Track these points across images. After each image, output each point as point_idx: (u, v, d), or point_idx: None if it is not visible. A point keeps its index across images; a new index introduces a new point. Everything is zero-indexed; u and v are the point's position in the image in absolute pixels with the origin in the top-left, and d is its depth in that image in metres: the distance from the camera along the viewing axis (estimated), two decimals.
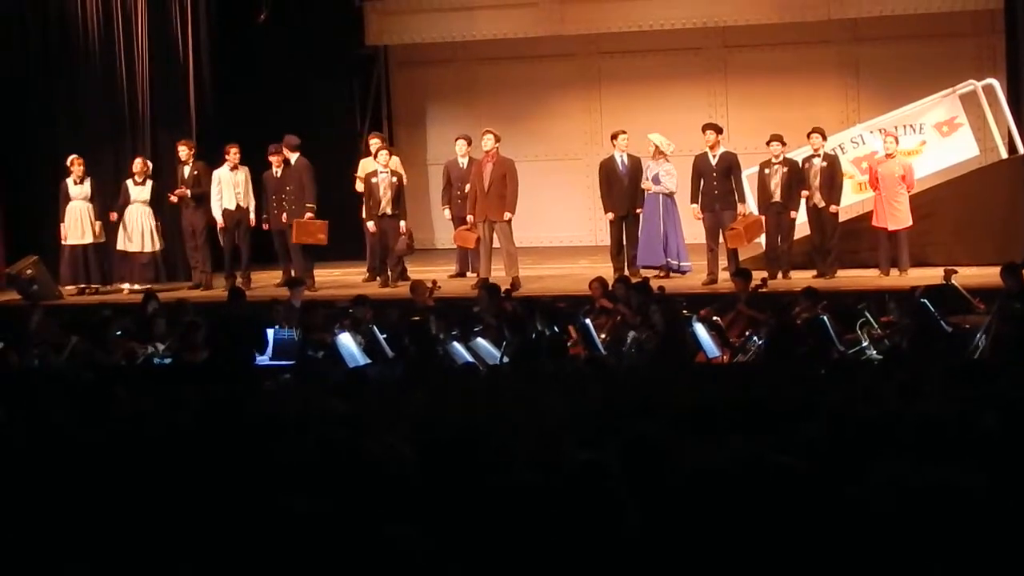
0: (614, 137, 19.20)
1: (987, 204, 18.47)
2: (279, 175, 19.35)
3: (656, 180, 18.75)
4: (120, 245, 19.67)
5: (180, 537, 5.36)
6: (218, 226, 19.50)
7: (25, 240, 20.42)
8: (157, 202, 20.04)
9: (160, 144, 21.13)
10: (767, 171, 18.36)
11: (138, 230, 19.59)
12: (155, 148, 21.10)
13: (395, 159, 19.98)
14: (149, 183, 19.69)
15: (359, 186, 19.73)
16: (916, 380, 8.87)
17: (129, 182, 19.63)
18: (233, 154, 19.47)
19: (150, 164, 19.93)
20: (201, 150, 19.90)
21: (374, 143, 19.73)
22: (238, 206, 19.48)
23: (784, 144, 18.43)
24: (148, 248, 19.63)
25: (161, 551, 5.30)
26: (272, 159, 19.37)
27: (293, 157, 19.34)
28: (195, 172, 19.57)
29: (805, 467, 5.20)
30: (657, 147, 18.79)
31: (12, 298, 19.22)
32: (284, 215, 19.20)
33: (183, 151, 19.72)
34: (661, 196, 18.77)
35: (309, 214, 19.12)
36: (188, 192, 19.49)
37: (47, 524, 5.69)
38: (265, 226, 19.45)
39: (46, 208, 20.39)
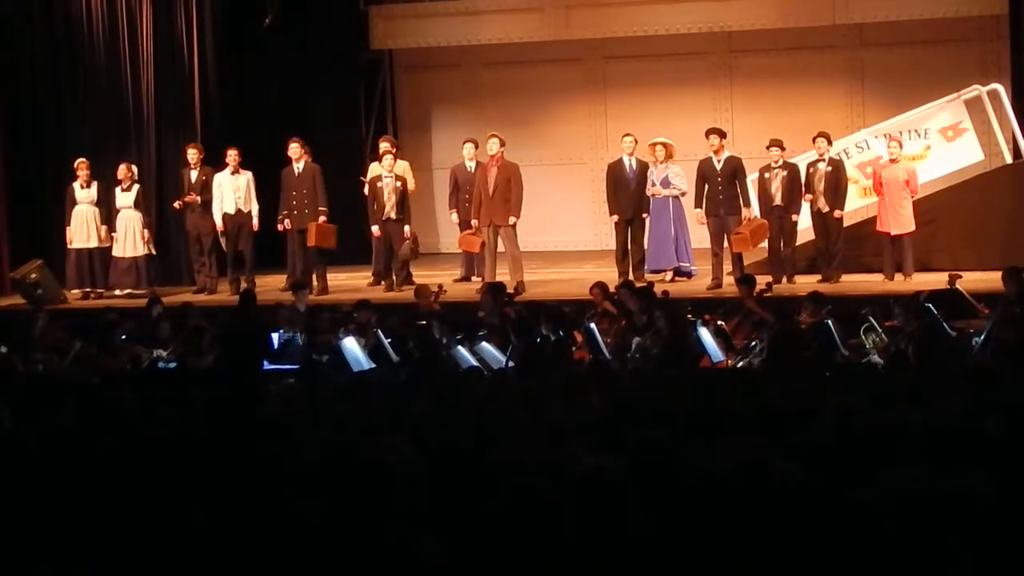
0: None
1: (992, 209, 18.47)
2: (297, 174, 19.32)
3: (666, 183, 18.78)
4: (114, 251, 19.69)
5: (187, 540, 5.37)
6: (218, 230, 19.50)
7: (31, 244, 20.44)
8: (157, 206, 20.09)
9: (165, 148, 21.16)
10: (767, 175, 18.38)
11: (123, 235, 19.60)
12: (160, 152, 21.13)
13: (404, 164, 20.00)
14: (135, 188, 19.67)
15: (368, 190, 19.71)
16: (921, 385, 8.86)
17: (117, 189, 19.63)
18: (232, 158, 19.46)
19: (135, 169, 19.91)
20: (206, 154, 19.89)
21: (383, 147, 19.72)
22: (238, 211, 19.45)
23: (783, 149, 18.45)
24: (130, 253, 19.61)
25: (168, 554, 5.31)
26: (291, 154, 19.30)
27: (303, 160, 19.32)
28: (203, 177, 19.57)
29: (810, 472, 5.21)
30: (666, 147, 18.83)
31: (17, 302, 19.23)
32: (288, 220, 19.18)
33: (192, 155, 19.71)
34: (671, 199, 18.82)
35: (323, 218, 19.14)
36: (199, 199, 19.47)
37: (54, 527, 5.70)
38: (280, 227, 19.36)
39: (51, 212, 20.43)
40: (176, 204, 19.83)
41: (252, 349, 14.42)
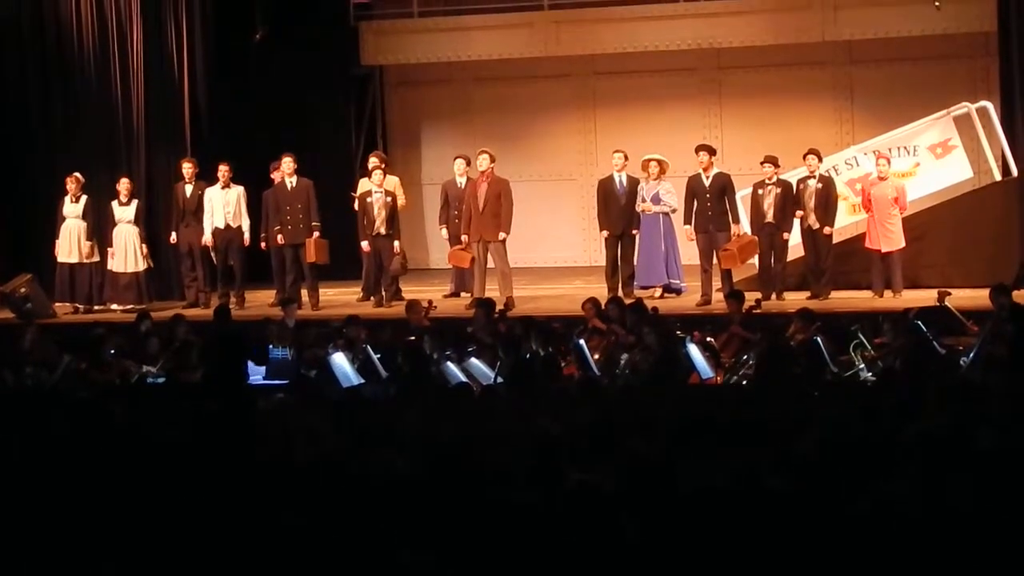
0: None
1: (980, 226, 18.50)
2: (290, 189, 19.28)
3: (656, 199, 18.78)
4: (109, 265, 19.64)
5: (179, 551, 5.36)
6: (208, 245, 19.46)
7: (20, 258, 20.42)
8: (149, 220, 20.07)
9: (155, 163, 21.09)
10: (760, 191, 18.39)
11: (121, 250, 19.56)
12: (150, 167, 21.06)
13: (394, 179, 20.00)
14: (134, 203, 19.63)
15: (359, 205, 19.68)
16: (910, 401, 8.88)
17: (114, 203, 19.60)
18: (223, 173, 19.43)
19: (134, 183, 19.87)
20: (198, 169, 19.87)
21: (372, 162, 19.71)
22: (227, 225, 19.42)
23: (777, 166, 18.47)
24: (131, 268, 19.56)
25: (160, 565, 5.30)
26: (276, 174, 19.32)
27: (295, 176, 19.30)
28: (198, 192, 19.54)
29: (799, 487, 5.21)
30: (660, 164, 18.86)
31: (6, 316, 19.18)
32: (280, 235, 19.16)
33: (187, 169, 19.66)
34: (661, 215, 18.82)
35: (316, 233, 19.13)
36: (211, 242, 19.43)
37: (43, 539, 5.70)
38: (263, 244, 19.34)
39: (41, 226, 20.41)
40: (172, 239, 19.77)
41: (235, 364, 14.36)
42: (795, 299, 17.71)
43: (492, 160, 18.81)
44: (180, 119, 21.20)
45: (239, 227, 19.44)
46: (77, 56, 21.08)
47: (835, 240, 18.53)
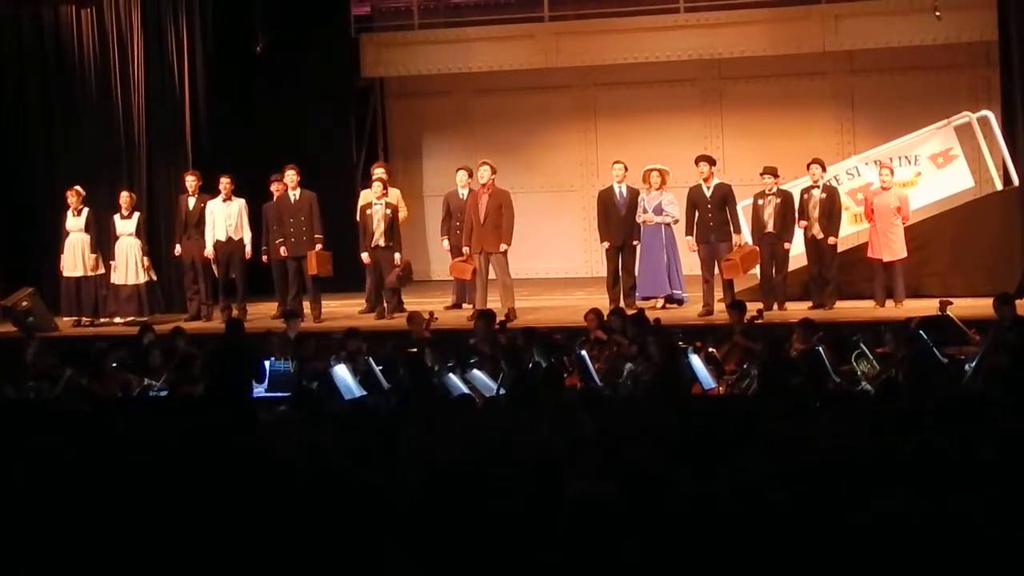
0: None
1: (982, 235, 18.50)
2: (294, 201, 19.29)
3: (658, 210, 18.79)
4: (111, 278, 19.65)
5: (177, 564, 5.36)
6: (209, 258, 19.46)
7: (22, 271, 20.43)
8: (150, 233, 20.08)
9: (156, 176, 21.11)
10: (760, 202, 18.40)
11: (123, 263, 19.57)
12: (151, 180, 21.08)
13: (395, 192, 20.01)
14: (136, 215, 19.65)
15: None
16: (912, 412, 8.87)
17: (116, 216, 19.60)
18: (225, 185, 19.44)
19: (134, 197, 19.90)
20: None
21: (377, 172, 19.73)
22: (229, 238, 19.42)
23: (776, 176, 18.48)
24: (132, 280, 19.58)
25: None
26: (276, 187, 19.33)
27: (298, 189, 19.31)
28: (200, 205, 19.54)
29: (800, 499, 5.20)
30: (661, 174, 18.86)
31: (8, 330, 19.19)
32: (283, 248, 19.16)
33: (190, 182, 19.65)
34: (662, 226, 18.82)
35: (319, 246, 19.13)
36: (212, 255, 19.42)
37: (44, 553, 5.70)
38: (264, 257, 19.35)
39: (42, 239, 20.42)
40: (176, 251, 19.78)
41: (240, 377, 14.35)
42: (797, 309, 17.71)
43: (493, 172, 18.79)
44: (181, 131, 21.22)
45: (240, 240, 19.45)
46: (77, 68, 21.12)
47: (838, 250, 18.53)
